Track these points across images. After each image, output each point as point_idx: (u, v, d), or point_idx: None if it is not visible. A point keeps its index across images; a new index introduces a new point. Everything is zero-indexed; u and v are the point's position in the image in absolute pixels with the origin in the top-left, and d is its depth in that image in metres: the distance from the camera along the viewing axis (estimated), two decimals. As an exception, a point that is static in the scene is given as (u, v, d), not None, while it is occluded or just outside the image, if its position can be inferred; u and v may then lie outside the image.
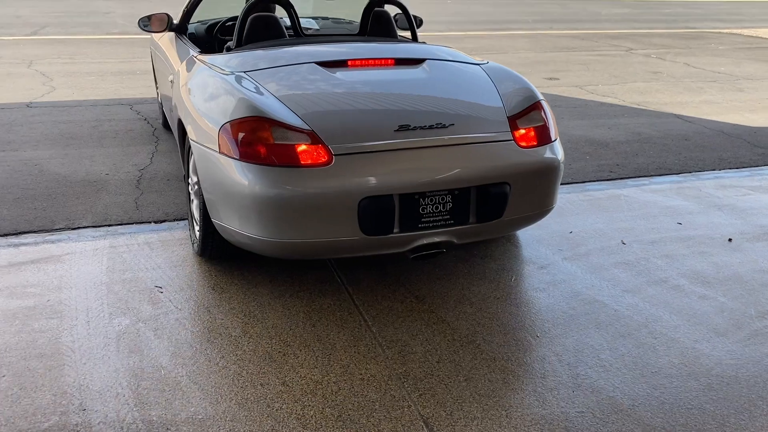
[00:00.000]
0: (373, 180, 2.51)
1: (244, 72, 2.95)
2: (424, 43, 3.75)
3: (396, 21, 4.64)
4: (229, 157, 2.56)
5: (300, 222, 2.50)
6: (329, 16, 5.12)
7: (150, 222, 3.48)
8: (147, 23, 4.16)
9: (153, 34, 4.72)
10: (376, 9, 3.69)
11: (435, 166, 2.60)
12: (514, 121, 2.84)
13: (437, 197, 2.61)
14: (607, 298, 2.91)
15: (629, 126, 5.76)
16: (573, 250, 3.34)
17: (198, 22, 4.66)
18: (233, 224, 2.62)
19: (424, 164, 2.59)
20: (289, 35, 3.56)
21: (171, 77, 3.65)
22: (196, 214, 3.04)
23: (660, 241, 3.48)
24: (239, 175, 2.52)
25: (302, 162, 2.50)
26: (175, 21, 4.28)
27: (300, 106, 2.66)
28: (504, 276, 3.07)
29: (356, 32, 3.81)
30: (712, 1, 20.34)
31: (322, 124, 2.59)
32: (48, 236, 3.27)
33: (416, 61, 3.15)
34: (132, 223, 3.44)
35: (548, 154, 2.85)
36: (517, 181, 2.73)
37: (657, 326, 2.69)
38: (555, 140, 2.93)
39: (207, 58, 3.31)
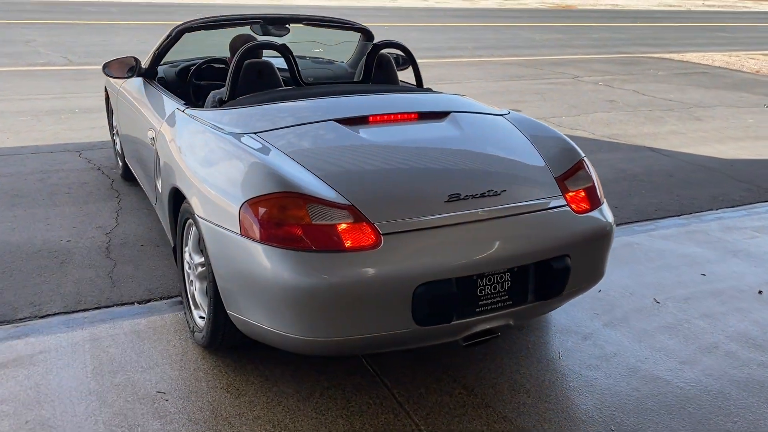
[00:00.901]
0: (429, 262, 2.16)
1: (255, 133, 2.55)
2: (430, 89, 3.44)
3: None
4: (254, 241, 2.14)
5: (343, 317, 2.11)
6: (306, 56, 4.74)
7: (132, 303, 2.99)
8: (111, 70, 3.67)
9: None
10: (380, 53, 3.35)
11: (493, 241, 2.27)
12: (562, 183, 2.55)
13: (496, 276, 2.28)
14: (666, 373, 2.64)
15: (611, 162, 5.63)
16: (609, 314, 3.08)
17: (165, 63, 4.18)
18: (258, 319, 2.20)
19: (482, 240, 2.26)
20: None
21: (151, 134, 3.18)
22: (201, 300, 2.59)
23: (692, 297, 3.27)
24: (268, 263, 2.11)
25: (346, 245, 2.12)
26: (144, 64, 3.80)
27: (332, 175, 2.28)
28: (549, 351, 2.76)
29: (356, 78, 3.46)
30: (632, 25, 21.05)
31: (363, 196, 2.22)
32: (11, 329, 2.74)
33: (440, 115, 2.84)
34: (111, 306, 2.95)
35: (602, 219, 2.57)
36: (577, 252, 2.43)
37: (731, 406, 2.44)
38: (603, 202, 2.66)
39: (200, 113, 2.88)
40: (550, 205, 2.44)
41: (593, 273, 2.57)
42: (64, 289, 3.08)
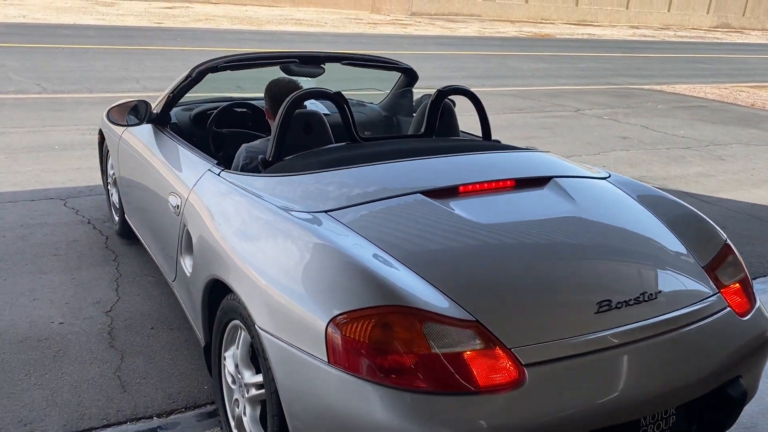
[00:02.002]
0: (587, 405, 1.60)
1: (327, 212, 1.97)
2: (498, 142, 2.92)
3: (421, 102, 3.80)
4: (349, 373, 1.56)
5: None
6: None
7: (151, 417, 2.36)
8: (116, 117, 3.06)
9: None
10: (445, 101, 2.82)
11: (660, 368, 1.73)
12: (713, 274, 2.04)
13: (660, 413, 1.73)
14: None
15: (654, 211, 5.16)
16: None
17: (177, 106, 3.59)
18: (352, 476, 1.61)
19: (646, 368, 1.71)
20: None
21: (175, 200, 2.58)
22: (255, 431, 1.98)
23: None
24: (373, 407, 1.53)
25: (479, 383, 1.55)
26: (155, 108, 3.21)
27: (441, 276, 1.72)
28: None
29: (412, 128, 2.91)
30: (615, 56, 21.00)
31: (489, 307, 1.67)
32: (-3, 462, 2.09)
33: (539, 181, 2.30)
34: (124, 423, 2.32)
35: (764, 319, 2.05)
36: (747, 370, 1.90)
37: None
38: (756, 300, 2.15)
39: (243, 180, 2.29)
40: (713, 310, 1.91)
41: (753, 392, 2.04)
42: (61, 397, 2.44)
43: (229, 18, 22.96)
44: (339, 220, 1.92)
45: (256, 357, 1.95)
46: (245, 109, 3.51)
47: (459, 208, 2.04)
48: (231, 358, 2.11)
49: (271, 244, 1.92)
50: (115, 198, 3.92)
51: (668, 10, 36.91)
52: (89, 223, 4.17)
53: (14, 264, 3.53)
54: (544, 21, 32.53)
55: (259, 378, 1.93)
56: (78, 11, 21.07)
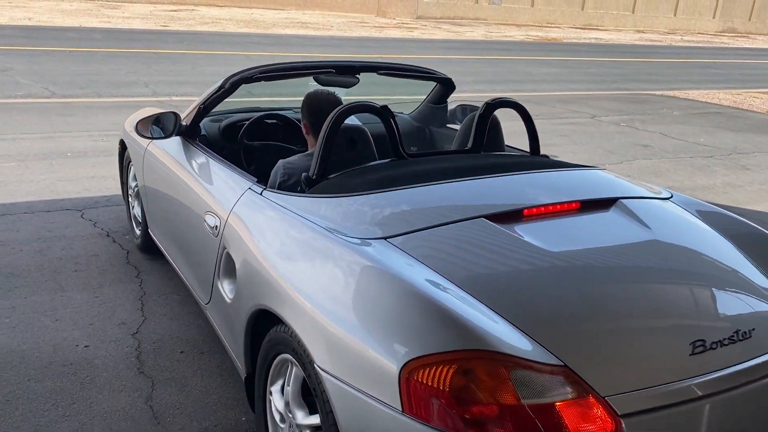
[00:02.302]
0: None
1: (387, 239, 1.82)
2: (546, 156, 2.77)
3: (456, 113, 3.66)
4: (427, 425, 1.41)
5: None
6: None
7: (188, 451, 2.21)
8: (143, 130, 2.91)
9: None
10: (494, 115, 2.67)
11: (762, 416, 1.57)
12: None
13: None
14: None
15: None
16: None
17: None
18: None
19: (751, 416, 1.56)
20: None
21: (213, 220, 2.43)
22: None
23: None
24: (454, 464, 1.38)
25: (573, 437, 1.40)
26: (184, 119, 3.06)
27: (521, 314, 1.57)
28: None
29: (455, 143, 2.77)
30: (625, 60, 20.86)
31: (577, 349, 1.51)
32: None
33: (603, 203, 2.16)
34: (161, 458, 2.17)
35: None
36: None
37: None
38: None
39: (289, 201, 2.15)
40: (808, 348, 1.75)
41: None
42: (92, 430, 2.28)
43: (235, 21, 22.85)
44: (403, 249, 1.77)
45: (310, 394, 1.80)
46: (275, 120, 3.36)
47: (527, 233, 1.89)
48: (279, 394, 1.96)
49: (328, 274, 1.77)
50: (136, 211, 3.77)
51: (674, 15, 36.80)
52: (108, 236, 4.03)
53: (33, 280, 3.38)
54: (550, 25, 32.40)
55: (316, 420, 1.78)
56: (83, 14, 20.97)
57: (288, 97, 4.33)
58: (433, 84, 3.70)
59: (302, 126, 2.73)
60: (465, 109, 3.70)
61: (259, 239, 2.09)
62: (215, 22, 21.98)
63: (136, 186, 3.70)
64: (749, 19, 39.60)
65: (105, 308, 3.14)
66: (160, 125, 2.94)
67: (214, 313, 2.50)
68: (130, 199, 3.92)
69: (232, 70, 3.26)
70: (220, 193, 2.49)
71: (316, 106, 2.67)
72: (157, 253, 3.65)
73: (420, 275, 1.65)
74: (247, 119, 3.35)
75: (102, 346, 2.81)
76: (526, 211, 2.00)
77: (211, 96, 2.92)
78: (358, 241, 1.82)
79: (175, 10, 25.06)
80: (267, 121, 3.32)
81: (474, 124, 2.62)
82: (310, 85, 3.48)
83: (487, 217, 1.94)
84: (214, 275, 2.42)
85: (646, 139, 8.50)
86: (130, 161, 3.78)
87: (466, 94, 11.98)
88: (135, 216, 3.82)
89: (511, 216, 1.97)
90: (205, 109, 2.97)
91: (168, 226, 3.06)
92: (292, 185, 2.53)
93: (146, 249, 3.71)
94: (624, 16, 35.15)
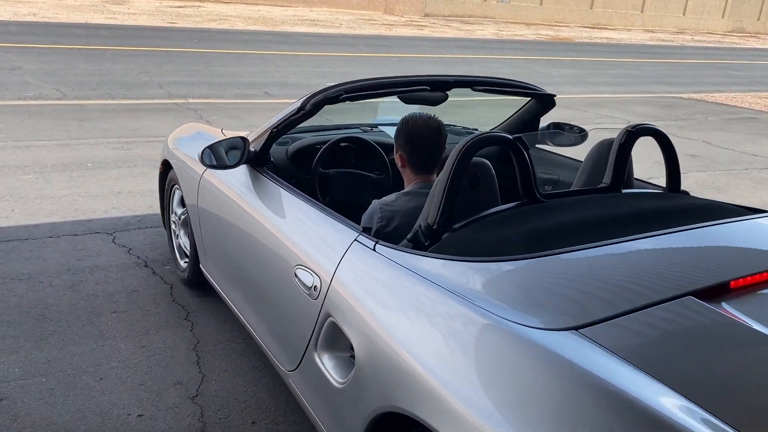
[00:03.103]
0: None
1: (577, 329, 1.38)
2: (687, 194, 2.34)
3: (549, 135, 3.23)
4: None
5: None
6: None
7: None
8: (214, 159, 2.46)
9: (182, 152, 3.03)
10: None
11: None
12: None
13: None
14: None
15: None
16: None
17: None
18: None
19: None
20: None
21: (311, 280, 1.98)
22: None
23: None
24: None
25: None
26: (252, 144, 2.61)
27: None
28: None
29: (595, 180, 2.33)
30: (643, 61, 20.44)
31: None
32: None
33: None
34: None
35: None
36: None
37: None
38: None
39: (412, 261, 1.71)
40: None
41: None
42: None
43: (243, 18, 22.38)
44: (603, 345, 1.33)
45: None
46: (345, 144, 2.92)
47: (746, 315, 1.45)
48: None
49: (505, 378, 1.33)
50: (183, 241, 3.33)
51: (683, 14, 36.38)
52: (146, 266, 3.58)
53: (69, 325, 2.94)
54: (558, 24, 31.96)
55: None
56: (88, 9, 20.46)
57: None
58: (518, 98, 3.26)
59: (396, 157, 2.29)
60: (559, 127, 3.26)
61: (384, 314, 1.64)
62: (223, 19, 21.50)
63: (184, 213, 3.25)
64: (758, 19, 39.21)
65: (155, 362, 2.70)
66: (220, 150, 2.49)
67: (303, 385, 2.06)
68: (173, 227, 3.47)
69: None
70: (315, 242, 2.04)
71: (415, 134, 2.23)
72: (207, 289, 3.22)
73: (639, 387, 1.21)
74: (319, 143, 2.90)
75: (159, 416, 2.37)
76: (732, 282, 1.57)
77: (287, 119, 2.47)
78: (542, 333, 1.38)
79: (180, 6, 24.56)
80: (340, 144, 2.88)
81: (613, 156, 2.17)
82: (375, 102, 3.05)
83: (694, 293, 1.50)
84: (308, 344, 1.97)
85: (690, 148, 8.07)
86: (175, 185, 3.33)
87: (492, 98, 11.53)
88: (181, 246, 3.38)
89: (718, 290, 1.54)
90: (278, 133, 2.53)
91: (231, 267, 2.61)
92: (391, 232, 2.10)
93: (193, 284, 3.27)
94: (633, 16, 34.74)
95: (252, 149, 2.56)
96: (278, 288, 2.16)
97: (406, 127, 2.23)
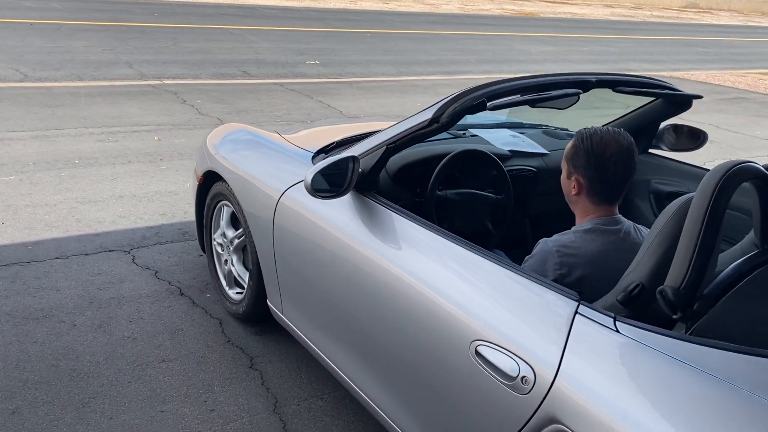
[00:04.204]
0: None
1: None
2: None
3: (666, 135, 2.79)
4: None
5: None
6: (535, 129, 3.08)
7: None
8: (327, 187, 1.92)
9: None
10: None
11: None
12: None
13: None
14: None
15: None
16: None
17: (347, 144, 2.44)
18: None
19: None
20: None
21: (512, 367, 1.47)
22: None
23: None
24: None
25: None
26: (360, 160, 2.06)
27: None
28: None
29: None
30: (614, 38, 20.24)
31: None
32: None
33: None
34: None
35: None
36: None
37: None
38: None
39: (691, 354, 1.23)
40: None
41: None
42: None
43: (201, -11, 21.23)
44: None
45: None
46: (469, 158, 2.41)
47: None
48: None
49: None
50: (237, 270, 2.77)
51: (640, -11, 36.55)
52: (182, 294, 3.01)
53: (112, 383, 2.37)
54: (519, -2, 31.56)
55: None
56: (33, -21, 19.03)
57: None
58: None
59: (568, 182, 1.80)
60: (678, 130, 2.82)
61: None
62: (179, -10, 20.34)
63: (238, 237, 2.70)
64: (711, -5, 39.72)
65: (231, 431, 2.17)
66: (328, 173, 1.94)
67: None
68: (218, 250, 2.90)
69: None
70: (502, 309, 1.54)
71: (603, 154, 1.74)
72: (266, 325, 2.69)
73: None
74: (426, 158, 2.37)
75: None
76: None
77: (411, 133, 1.94)
78: None
79: (131, -24, 23.15)
80: (461, 158, 2.36)
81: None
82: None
83: None
84: None
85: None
86: (222, 201, 2.77)
87: (478, 76, 11.08)
88: (232, 274, 2.82)
89: None
90: (394, 150, 2.00)
91: (332, 317, 2.09)
92: (573, 283, 1.63)
93: (251, 318, 2.73)
94: (592, -10, 34.65)
95: (361, 168, 2.02)
96: (434, 363, 1.66)
97: (589, 143, 1.75)
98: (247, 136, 2.81)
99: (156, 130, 5.91)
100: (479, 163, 2.41)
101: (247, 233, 2.54)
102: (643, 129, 2.81)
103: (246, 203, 2.49)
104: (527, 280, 1.54)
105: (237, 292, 2.80)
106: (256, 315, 2.66)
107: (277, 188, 2.31)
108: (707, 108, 9.49)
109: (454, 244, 1.73)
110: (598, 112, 3.12)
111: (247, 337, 2.71)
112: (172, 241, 3.54)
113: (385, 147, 1.98)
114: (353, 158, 1.95)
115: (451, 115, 1.86)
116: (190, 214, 3.95)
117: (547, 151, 2.83)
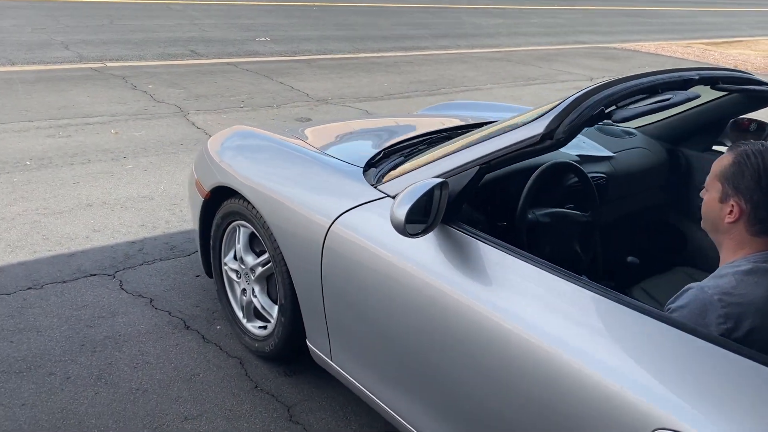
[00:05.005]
0: None
1: None
2: None
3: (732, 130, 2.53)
4: None
5: None
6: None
7: None
8: (424, 221, 1.55)
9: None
10: None
11: None
12: None
13: None
14: None
15: None
16: None
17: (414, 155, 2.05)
18: None
19: None
20: None
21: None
22: None
23: None
24: None
25: None
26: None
27: None
28: None
29: None
30: (559, 9, 20.16)
31: None
32: None
33: None
34: None
35: None
36: None
37: None
38: None
39: None
40: None
41: None
42: None
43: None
44: None
45: None
46: (568, 172, 2.07)
47: None
48: None
49: None
50: (261, 301, 2.37)
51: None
52: (187, 327, 2.59)
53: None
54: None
55: None
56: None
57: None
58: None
59: (729, 206, 1.49)
60: (741, 124, 2.56)
61: None
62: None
63: (262, 265, 2.29)
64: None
65: None
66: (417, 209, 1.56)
67: None
68: (233, 276, 2.48)
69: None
70: (685, 386, 1.22)
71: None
72: (296, 363, 2.32)
73: None
74: (508, 174, 2.00)
75: None
76: None
77: (514, 150, 1.58)
78: None
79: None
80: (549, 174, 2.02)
81: None
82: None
83: None
84: None
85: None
86: (236, 221, 2.35)
87: (433, 52, 10.73)
88: (251, 305, 2.41)
89: None
90: (488, 170, 1.64)
91: (418, 373, 1.73)
92: (742, 338, 1.34)
93: (279, 358, 2.35)
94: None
95: (452, 190, 1.66)
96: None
97: (758, 161, 1.44)
98: (265, 143, 2.39)
99: (110, 121, 5.34)
100: (561, 176, 2.08)
101: (277, 262, 2.14)
102: (710, 125, 2.54)
103: (279, 229, 2.08)
104: (695, 337, 1.23)
105: (260, 327, 2.41)
106: (288, 354, 2.28)
107: (325, 213, 1.91)
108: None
109: (580, 287, 1.41)
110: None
111: (277, 380, 2.33)
112: (161, 259, 3.09)
113: (477, 167, 1.62)
114: (443, 184, 1.58)
115: (569, 130, 1.51)
116: (173, 224, 3.49)
117: (612, 153, 2.52)
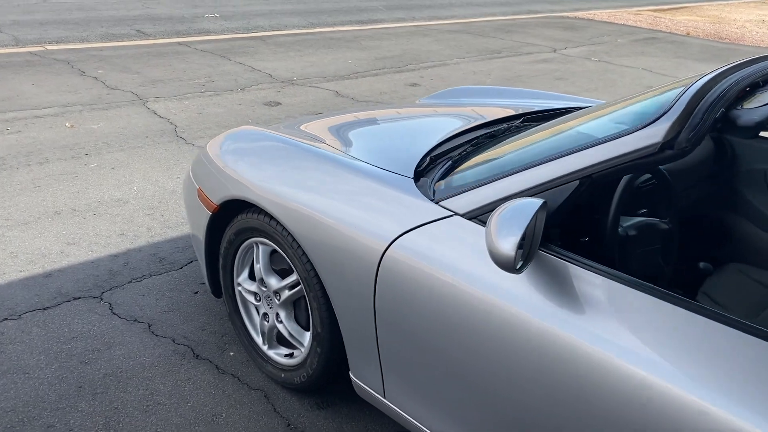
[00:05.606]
0: None
1: None
2: None
3: None
4: None
5: None
6: None
7: None
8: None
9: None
10: None
11: None
12: None
13: None
14: None
15: None
16: None
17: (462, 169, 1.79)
18: None
19: None
20: None
21: None
22: None
23: None
24: None
25: None
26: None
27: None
28: None
29: None
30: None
31: None
32: None
33: None
34: None
35: None
36: None
37: None
38: None
39: None
40: None
41: None
42: None
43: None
44: None
45: None
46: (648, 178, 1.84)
47: None
48: None
49: None
50: (286, 328, 2.09)
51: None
52: (196, 356, 2.30)
53: None
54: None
55: None
56: None
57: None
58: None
59: None
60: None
61: None
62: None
63: (290, 288, 2.01)
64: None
65: None
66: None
67: None
68: (250, 299, 2.19)
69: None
70: None
71: None
72: (327, 393, 2.06)
73: None
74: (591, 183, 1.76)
75: None
76: None
77: (625, 162, 1.34)
78: None
79: None
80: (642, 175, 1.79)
81: None
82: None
83: None
84: None
85: (644, 77, 7.64)
86: (252, 237, 2.06)
87: (392, 25, 10.40)
88: (276, 331, 2.14)
89: None
90: (591, 185, 1.40)
91: (509, 420, 1.50)
92: None
93: (309, 389, 2.09)
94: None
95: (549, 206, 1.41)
96: None
97: None
98: (282, 146, 2.09)
99: (63, 113, 4.89)
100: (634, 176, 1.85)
101: (311, 286, 1.87)
102: (751, 108, 2.35)
103: (315, 249, 1.80)
104: None
105: (285, 355, 2.13)
106: (323, 385, 2.02)
107: (379, 234, 1.65)
108: (628, 51, 9.40)
109: (703, 317, 1.21)
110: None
111: (309, 414, 2.07)
112: (150, 274, 2.77)
113: (578, 181, 1.39)
114: (543, 204, 1.34)
115: (694, 138, 1.29)
116: (156, 232, 3.16)
117: None
